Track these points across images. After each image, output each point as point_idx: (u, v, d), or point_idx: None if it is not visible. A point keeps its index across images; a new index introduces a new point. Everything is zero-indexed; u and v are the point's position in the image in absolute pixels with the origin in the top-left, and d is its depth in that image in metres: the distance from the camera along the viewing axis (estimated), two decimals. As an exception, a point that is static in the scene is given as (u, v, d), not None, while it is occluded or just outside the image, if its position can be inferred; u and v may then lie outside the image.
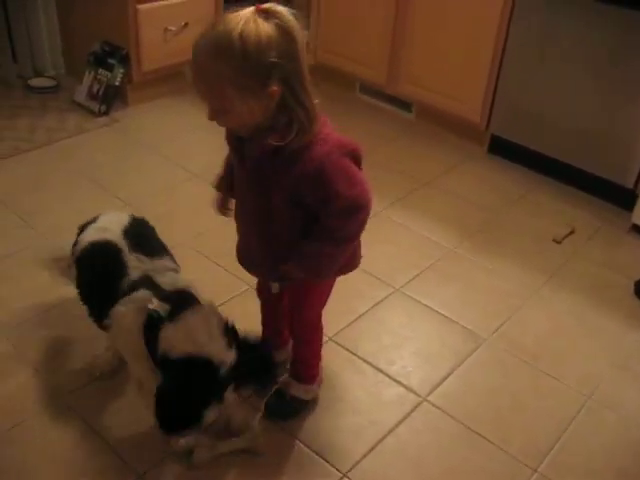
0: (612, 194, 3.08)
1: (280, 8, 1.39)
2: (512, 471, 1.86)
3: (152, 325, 1.62)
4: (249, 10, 1.38)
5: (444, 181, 3.21)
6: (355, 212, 1.53)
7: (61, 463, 1.78)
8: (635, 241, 2.91)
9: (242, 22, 1.35)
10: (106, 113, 3.48)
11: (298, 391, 1.96)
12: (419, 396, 2.06)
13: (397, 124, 3.66)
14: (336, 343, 2.24)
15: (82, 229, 1.96)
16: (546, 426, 2.01)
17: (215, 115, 1.47)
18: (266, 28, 1.36)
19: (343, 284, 2.47)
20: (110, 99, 3.50)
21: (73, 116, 3.46)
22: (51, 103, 3.56)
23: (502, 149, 3.37)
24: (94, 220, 1.97)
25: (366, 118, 3.70)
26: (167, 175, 3.07)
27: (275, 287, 1.82)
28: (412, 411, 2.01)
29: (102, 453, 1.81)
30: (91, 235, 1.88)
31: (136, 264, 1.78)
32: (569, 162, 3.12)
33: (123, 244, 1.81)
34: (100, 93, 3.48)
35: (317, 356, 1.97)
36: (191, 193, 2.94)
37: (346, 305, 2.38)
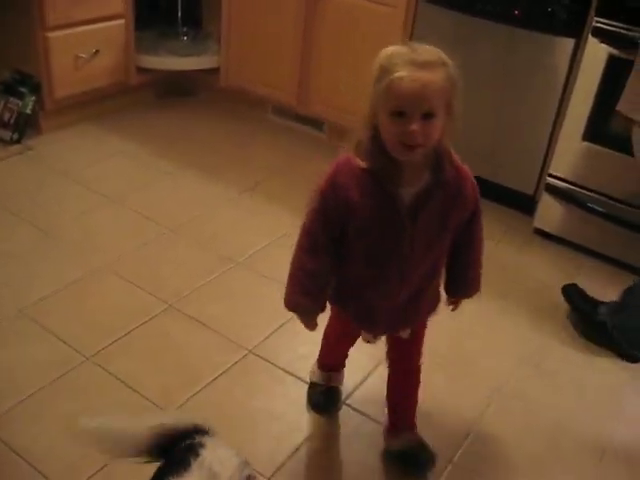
0: (515, 201, 3.28)
1: None
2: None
3: None
4: None
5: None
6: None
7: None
8: (538, 243, 3.11)
9: None
10: (18, 141, 3.47)
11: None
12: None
13: (310, 143, 3.77)
14: (256, 355, 2.32)
15: (163, 475, 1.37)
16: (459, 419, 2.14)
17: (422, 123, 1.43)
18: None
19: (263, 298, 2.57)
20: (22, 127, 3.48)
21: (-16, 146, 3.44)
22: (-40, 134, 3.52)
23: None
24: (184, 465, 1.34)
25: (279, 139, 3.80)
26: (84, 201, 3.07)
27: (406, 332, 1.82)
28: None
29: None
30: None
31: None
32: (474, 174, 3.29)
33: None
34: (12, 122, 3.47)
35: None
36: (109, 218, 2.96)
37: (266, 317, 2.47)
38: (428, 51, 1.44)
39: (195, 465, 1.33)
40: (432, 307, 1.80)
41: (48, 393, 2.10)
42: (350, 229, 1.59)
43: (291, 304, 1.70)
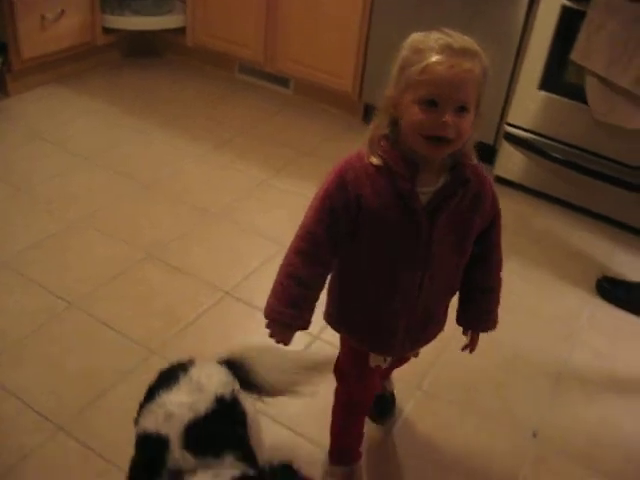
0: (477, 151, 3.40)
1: None
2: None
3: None
4: None
5: (324, 150, 3.44)
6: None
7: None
8: (500, 190, 3.24)
9: None
10: (-13, 103, 3.50)
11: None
12: (312, 335, 2.29)
13: (277, 100, 3.86)
14: (233, 296, 2.44)
15: (155, 388, 1.49)
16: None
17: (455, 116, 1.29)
18: None
19: (237, 245, 2.67)
20: (-10, 89, 3.51)
21: (-47, 108, 3.46)
22: None
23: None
24: (173, 380, 1.48)
25: (247, 96, 3.88)
26: (56, 160, 3.13)
27: (417, 352, 1.71)
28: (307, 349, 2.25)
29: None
30: (150, 422, 1.44)
31: (179, 464, 1.37)
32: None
33: (176, 441, 1.38)
34: (-21, 83, 3.49)
35: None
36: (82, 175, 3.03)
37: (240, 263, 2.58)
38: (463, 38, 1.31)
39: (183, 380, 1.46)
40: (443, 324, 1.64)
41: (33, 338, 2.19)
42: (360, 232, 1.42)
43: (273, 313, 1.46)
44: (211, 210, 2.88)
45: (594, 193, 3.08)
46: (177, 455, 1.35)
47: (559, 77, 3.00)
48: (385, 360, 1.62)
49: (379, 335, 1.54)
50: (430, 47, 1.28)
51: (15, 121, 3.41)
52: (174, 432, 1.37)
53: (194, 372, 1.49)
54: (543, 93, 3.05)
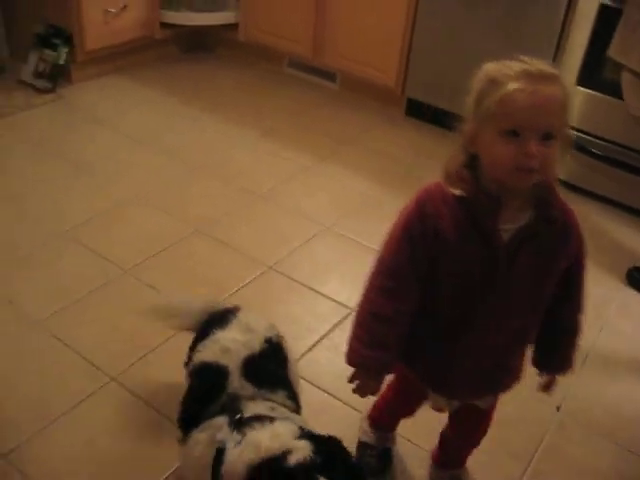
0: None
1: None
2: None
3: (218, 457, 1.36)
4: None
5: (366, 140, 3.58)
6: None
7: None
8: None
9: None
10: (52, 90, 3.72)
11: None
12: (348, 307, 2.43)
13: (323, 94, 4.02)
14: (275, 271, 2.59)
15: (208, 328, 1.65)
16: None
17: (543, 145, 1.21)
18: None
19: (281, 225, 2.83)
20: (55, 77, 3.73)
21: (21, 93, 3.69)
22: (-2, 83, 3.79)
23: (417, 111, 3.77)
24: (225, 321, 1.64)
25: (294, 90, 4.04)
26: (113, 143, 3.34)
27: (487, 402, 1.60)
28: (342, 320, 2.39)
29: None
30: (208, 354, 1.58)
31: (238, 391, 1.51)
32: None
33: (235, 371, 1.52)
34: (46, 72, 3.72)
35: None
36: (137, 157, 3.23)
37: (283, 241, 2.73)
38: (540, 62, 1.24)
39: (234, 321, 1.62)
40: (517, 375, 1.53)
41: (92, 299, 2.38)
42: (437, 265, 1.35)
43: (356, 358, 1.40)
44: (257, 192, 3.05)
45: (631, 188, 3.15)
46: (237, 383, 1.49)
47: (597, 74, 3.09)
48: (450, 404, 1.56)
49: (441, 375, 1.47)
50: (506, 75, 1.22)
51: (76, 107, 3.63)
52: (233, 363, 1.52)
53: (242, 316, 1.65)
54: (581, 89, 3.13)
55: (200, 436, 1.43)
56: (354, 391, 1.43)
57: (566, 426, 2.12)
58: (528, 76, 1.20)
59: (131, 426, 1.97)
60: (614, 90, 3.00)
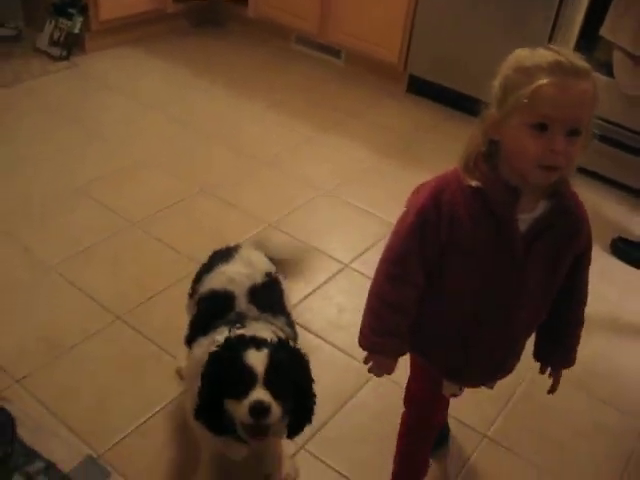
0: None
1: None
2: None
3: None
4: None
5: (368, 114, 3.72)
6: None
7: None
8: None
9: None
10: (67, 58, 3.86)
11: None
12: (342, 263, 2.57)
13: (329, 70, 4.15)
14: (275, 228, 2.74)
15: (213, 262, 1.81)
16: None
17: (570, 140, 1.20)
18: None
19: (283, 188, 2.97)
20: (70, 45, 3.87)
21: (37, 60, 3.83)
22: (15, 50, 3.92)
23: (418, 87, 3.90)
24: (229, 257, 1.80)
25: (301, 65, 4.18)
26: (125, 109, 3.48)
27: (492, 386, 1.60)
28: (337, 274, 2.53)
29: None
30: (215, 283, 1.73)
31: (245, 311, 1.66)
32: (478, 96, 3.64)
33: (242, 297, 1.68)
34: (61, 40, 3.86)
35: None
36: (148, 123, 3.38)
37: (284, 202, 2.88)
38: (572, 54, 1.21)
39: (237, 257, 1.78)
40: (520, 357, 1.54)
41: (101, 247, 2.53)
42: (450, 255, 1.34)
43: (367, 344, 1.43)
44: (263, 159, 3.19)
45: (621, 164, 3.27)
46: (243, 306, 1.66)
47: (589, 54, 3.19)
48: (460, 389, 1.57)
49: (458, 363, 1.47)
50: (538, 66, 1.18)
51: (90, 75, 3.77)
52: (239, 290, 1.69)
53: (244, 252, 1.81)
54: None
55: (204, 341, 1.58)
56: (369, 371, 1.46)
57: (541, 378, 2.24)
58: (561, 69, 1.17)
59: (133, 360, 2.11)
60: (607, 70, 3.12)
